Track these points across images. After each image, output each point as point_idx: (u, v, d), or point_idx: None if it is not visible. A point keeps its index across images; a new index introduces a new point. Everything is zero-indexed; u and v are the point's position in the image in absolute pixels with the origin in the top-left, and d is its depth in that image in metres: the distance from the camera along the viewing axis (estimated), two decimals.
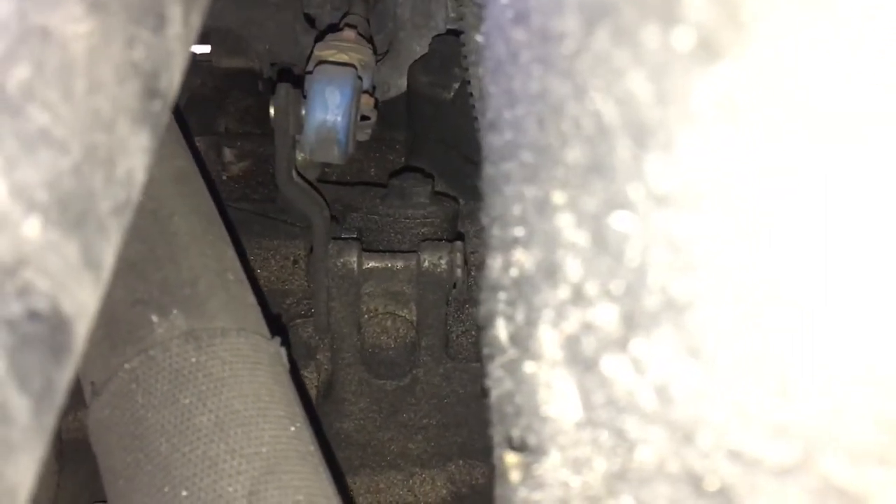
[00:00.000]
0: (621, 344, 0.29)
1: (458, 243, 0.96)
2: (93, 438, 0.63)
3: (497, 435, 0.41)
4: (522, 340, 0.36)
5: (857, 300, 0.25)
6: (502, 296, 0.38)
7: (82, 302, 0.32)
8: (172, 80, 0.39)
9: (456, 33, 1.07)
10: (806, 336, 0.25)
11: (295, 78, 1.01)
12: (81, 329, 0.33)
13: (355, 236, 0.97)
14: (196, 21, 0.42)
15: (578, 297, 0.31)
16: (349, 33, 1.02)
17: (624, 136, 0.27)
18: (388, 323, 0.98)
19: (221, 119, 1.15)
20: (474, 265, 1.00)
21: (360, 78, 0.94)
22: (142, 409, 0.59)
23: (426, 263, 0.94)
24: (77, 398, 0.63)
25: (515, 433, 0.38)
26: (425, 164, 1.08)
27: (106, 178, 0.34)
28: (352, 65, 0.96)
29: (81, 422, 0.88)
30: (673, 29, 0.24)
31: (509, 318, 0.38)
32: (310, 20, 1.15)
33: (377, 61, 1.08)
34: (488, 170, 0.41)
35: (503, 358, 0.39)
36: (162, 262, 0.66)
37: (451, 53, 1.05)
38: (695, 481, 0.29)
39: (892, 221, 0.24)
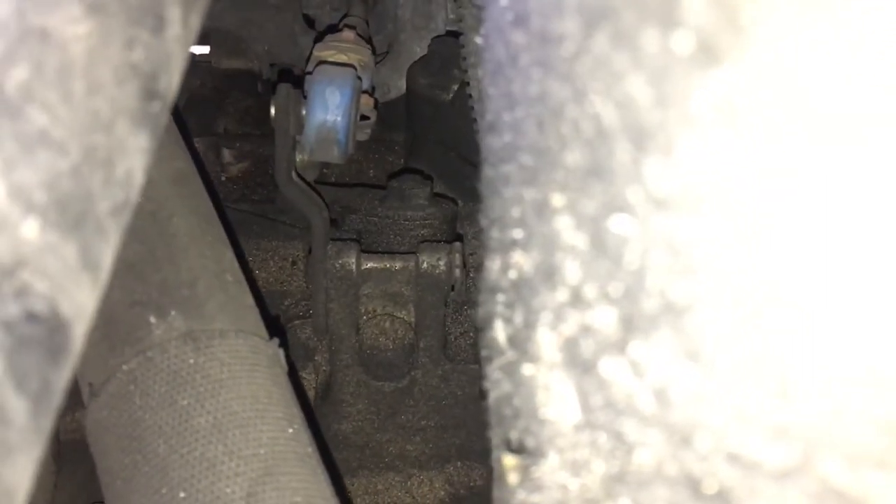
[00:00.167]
0: (620, 347, 0.29)
1: (457, 245, 0.96)
2: (91, 439, 0.63)
3: (495, 437, 0.41)
4: (521, 342, 0.36)
5: (856, 303, 0.25)
6: (501, 298, 0.38)
7: (80, 303, 0.32)
8: (171, 81, 0.39)
9: (455, 35, 1.08)
10: (805, 339, 0.25)
11: (295, 78, 1.01)
12: (79, 330, 0.33)
13: (354, 237, 0.97)
14: (195, 22, 0.42)
15: (577, 299, 0.31)
16: (348, 34, 1.02)
17: (623, 139, 0.27)
18: (387, 324, 0.98)
19: (221, 120, 1.15)
20: (473, 267, 1.00)
21: (359, 78, 0.94)
22: (140, 411, 0.59)
23: (425, 265, 0.94)
24: (75, 399, 0.63)
25: (514, 435, 0.38)
26: (424, 166, 1.08)
27: (104, 179, 0.34)
28: (351, 65, 0.96)
29: (79, 422, 0.88)
30: (672, 32, 0.24)
31: (508, 321, 0.38)
32: (309, 21, 1.15)
33: (376, 62, 1.08)
34: (487, 172, 0.41)
35: (501, 360, 0.38)
36: (160, 263, 0.66)
37: (450, 55, 1.05)
38: (693, 484, 0.29)
39: (891, 224, 0.24)
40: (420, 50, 1.12)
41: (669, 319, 0.27)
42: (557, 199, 0.32)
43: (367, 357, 0.99)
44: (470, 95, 0.87)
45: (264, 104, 1.12)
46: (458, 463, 1.00)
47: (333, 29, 1.06)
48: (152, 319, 0.62)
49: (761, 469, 0.27)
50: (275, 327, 0.78)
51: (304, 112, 0.89)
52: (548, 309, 0.33)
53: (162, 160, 0.72)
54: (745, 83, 0.23)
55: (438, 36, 1.11)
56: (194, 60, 1.15)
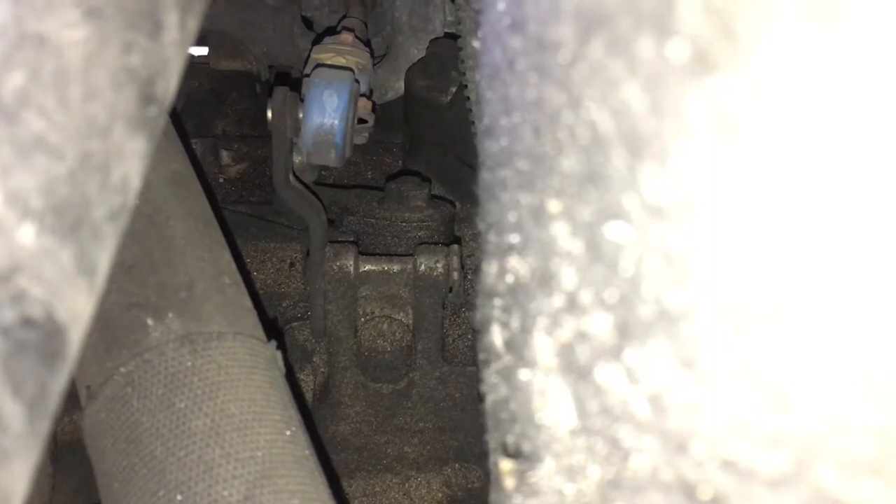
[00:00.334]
0: (615, 353, 0.29)
1: (455, 247, 0.96)
2: (88, 442, 0.63)
3: (492, 441, 0.41)
4: (517, 347, 0.36)
5: (850, 311, 0.25)
6: (498, 302, 0.38)
7: (77, 308, 0.32)
8: (169, 85, 0.39)
9: (453, 37, 1.08)
10: (800, 347, 0.25)
11: (292, 81, 1.01)
12: (75, 336, 0.33)
13: (352, 239, 0.97)
14: (193, 26, 0.42)
15: (573, 305, 0.31)
16: (347, 36, 1.02)
17: (619, 146, 0.27)
18: (385, 326, 0.98)
19: (219, 121, 1.15)
20: (470, 269, 1.00)
21: (357, 81, 0.94)
22: (137, 413, 0.59)
23: (423, 267, 0.94)
24: (72, 401, 0.63)
25: (510, 440, 0.38)
26: (422, 168, 1.08)
27: (101, 184, 0.34)
28: (349, 68, 0.96)
29: (76, 424, 0.88)
30: (668, 41, 0.24)
31: (504, 325, 0.38)
32: (307, 23, 1.15)
33: (374, 64, 1.08)
34: (484, 175, 0.41)
35: (498, 364, 0.39)
36: (158, 265, 0.66)
37: (448, 57, 1.05)
38: (688, 490, 0.29)
39: (885, 235, 0.24)
40: (418, 52, 1.12)
41: (664, 326, 0.27)
42: (554, 205, 0.32)
43: (365, 359, 0.99)
44: (468, 98, 0.87)
45: (262, 106, 1.12)
46: (456, 465, 1.00)
47: (332, 31, 1.06)
48: (149, 322, 0.62)
49: (756, 476, 0.27)
50: (272, 329, 0.78)
51: (301, 115, 0.89)
52: (544, 314, 0.34)
53: (159, 162, 0.72)
54: (740, 92, 0.23)
55: (436, 38, 1.11)
56: (192, 62, 1.15)
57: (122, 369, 0.61)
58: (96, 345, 0.62)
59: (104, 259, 0.35)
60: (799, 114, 0.23)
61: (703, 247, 0.25)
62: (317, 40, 1.05)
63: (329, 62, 0.96)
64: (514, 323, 0.37)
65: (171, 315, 0.63)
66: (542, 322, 0.34)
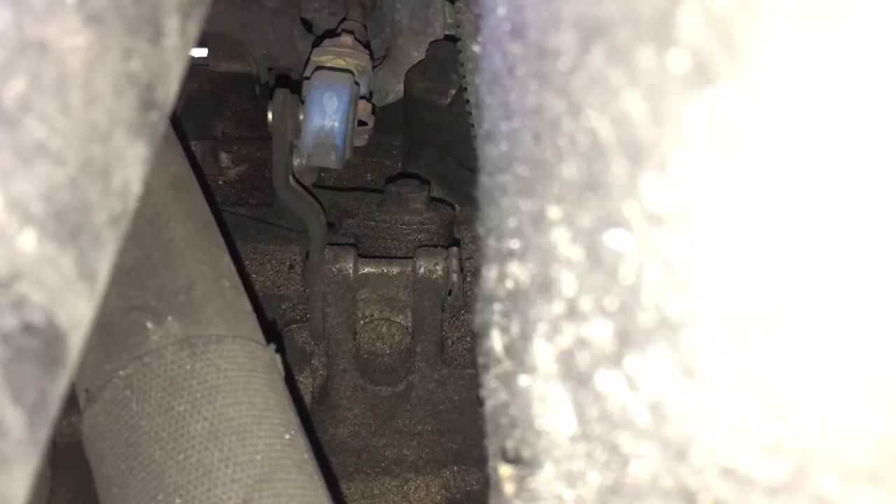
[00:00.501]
0: (615, 360, 0.29)
1: (454, 249, 0.96)
2: (87, 445, 0.63)
3: (492, 446, 0.41)
4: (517, 353, 0.36)
5: (850, 319, 0.25)
6: (497, 307, 0.38)
7: (77, 314, 0.32)
8: (169, 91, 0.39)
9: (453, 39, 1.08)
10: (799, 355, 0.25)
11: (292, 83, 1.02)
12: (76, 341, 0.33)
13: (351, 242, 0.97)
14: (193, 31, 0.42)
15: (573, 312, 0.31)
16: (346, 38, 1.02)
17: (619, 154, 0.27)
18: (384, 329, 0.98)
19: (218, 123, 1.15)
20: (470, 271, 1.00)
21: (357, 83, 0.94)
22: (136, 417, 0.59)
23: (422, 270, 0.94)
24: (71, 403, 0.63)
25: (510, 445, 0.38)
26: (422, 170, 1.08)
27: (102, 189, 0.34)
28: (349, 70, 0.96)
29: (75, 427, 0.88)
30: (668, 51, 0.24)
31: (504, 330, 0.38)
32: (307, 25, 1.15)
33: (374, 66, 1.08)
34: (484, 180, 0.41)
35: (498, 369, 0.39)
36: (157, 268, 0.66)
37: (448, 59, 1.06)
38: (688, 498, 0.29)
39: (884, 244, 0.24)
40: (418, 54, 1.12)
41: (665, 334, 0.27)
42: (554, 212, 0.32)
43: (364, 361, 0.99)
44: (467, 101, 0.87)
45: (262, 108, 1.12)
46: (455, 467, 1.00)
47: (332, 33, 1.06)
48: (149, 325, 0.62)
49: (755, 484, 0.27)
50: (272, 332, 0.78)
51: (301, 117, 0.89)
52: (544, 320, 0.34)
53: (159, 165, 0.72)
54: (739, 101, 0.23)
55: (436, 40, 1.11)
56: (192, 64, 1.15)
57: (121, 372, 0.61)
58: (95, 348, 0.62)
59: (105, 264, 0.35)
60: (798, 123, 0.23)
61: (703, 255, 0.25)
62: (316, 42, 1.05)
63: (329, 64, 0.96)
64: (514, 328, 0.37)
65: (170, 318, 0.63)
66: (542, 328, 0.34)
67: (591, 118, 0.28)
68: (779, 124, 0.23)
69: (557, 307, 0.32)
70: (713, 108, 0.24)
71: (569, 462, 0.34)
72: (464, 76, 0.88)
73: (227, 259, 0.72)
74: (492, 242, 0.39)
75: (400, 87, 1.12)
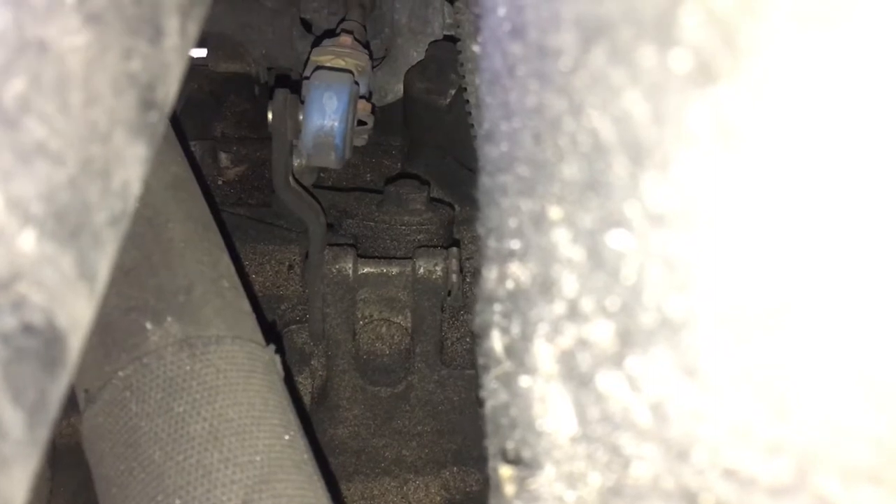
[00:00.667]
0: (617, 361, 0.29)
1: (454, 250, 0.96)
2: (86, 446, 0.62)
3: (492, 446, 0.41)
4: (518, 353, 0.36)
5: (851, 319, 0.25)
6: (497, 308, 0.38)
7: (77, 315, 0.32)
8: (169, 91, 0.39)
9: (453, 39, 1.08)
10: (801, 355, 0.25)
11: (292, 83, 1.01)
12: (76, 342, 0.33)
13: (351, 242, 0.97)
14: (193, 31, 0.42)
15: (574, 312, 0.31)
16: (346, 38, 1.02)
17: (621, 154, 0.27)
18: (383, 329, 0.98)
19: (218, 123, 1.15)
20: (469, 271, 1.00)
21: (356, 83, 0.94)
22: (135, 417, 0.59)
23: (421, 270, 0.94)
24: (70, 403, 0.63)
25: (510, 446, 0.38)
26: (421, 170, 1.08)
27: (102, 189, 0.34)
28: (349, 70, 0.96)
29: (74, 427, 0.88)
30: (670, 50, 0.24)
31: (504, 331, 0.38)
32: (306, 25, 1.15)
33: (373, 67, 1.08)
34: (484, 180, 0.41)
35: (498, 370, 0.39)
36: (157, 268, 0.66)
37: (447, 59, 1.05)
38: (690, 498, 0.29)
39: (887, 244, 0.24)
40: (417, 54, 1.12)
41: (666, 334, 0.27)
42: (554, 212, 0.32)
43: (364, 362, 0.99)
44: (467, 101, 0.87)
45: (261, 108, 1.12)
46: (455, 468, 1.00)
47: (331, 33, 1.06)
48: (148, 326, 0.62)
49: (757, 485, 0.27)
50: (271, 333, 0.78)
51: (301, 117, 0.89)
52: (545, 321, 0.34)
53: (159, 165, 0.72)
54: (741, 101, 0.23)
55: (435, 41, 1.11)
56: (191, 64, 1.15)
57: (120, 373, 0.61)
58: (95, 348, 0.62)
59: (104, 265, 0.35)
60: (800, 122, 0.23)
61: (705, 255, 0.25)
62: (316, 43, 1.05)
63: (328, 64, 0.96)
64: (515, 329, 0.36)
65: (169, 319, 0.63)
66: (542, 329, 0.34)
67: (592, 118, 0.28)
68: (781, 124, 0.23)
69: (558, 307, 0.32)
70: (715, 107, 0.23)
71: (570, 463, 0.33)
72: (463, 76, 0.88)
73: (226, 259, 0.72)
74: (492, 243, 0.39)
75: (399, 88, 1.12)
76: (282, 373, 0.68)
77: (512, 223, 0.36)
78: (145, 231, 0.68)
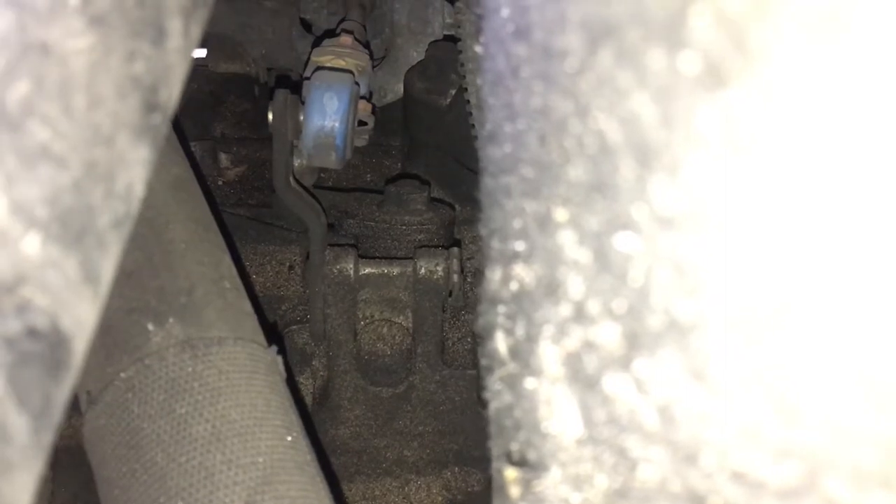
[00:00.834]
0: (624, 363, 0.29)
1: (455, 250, 0.96)
2: (88, 448, 0.62)
3: (496, 448, 0.41)
4: (522, 355, 0.36)
5: (861, 323, 0.25)
6: (501, 309, 0.38)
7: (81, 318, 0.32)
8: (172, 93, 0.39)
9: (453, 39, 1.07)
10: (810, 358, 0.25)
11: (292, 84, 1.01)
12: (80, 345, 0.32)
13: (352, 243, 0.97)
14: (196, 32, 0.42)
15: (580, 314, 0.31)
16: (346, 39, 1.01)
17: (628, 156, 0.26)
18: (385, 330, 0.98)
19: (217, 124, 1.15)
20: (470, 271, 1.00)
21: (357, 84, 0.94)
22: (137, 419, 0.59)
23: (422, 270, 0.94)
24: (72, 405, 0.63)
25: (515, 447, 0.38)
26: (422, 170, 1.08)
27: (105, 192, 0.34)
28: (349, 70, 0.95)
29: (76, 429, 0.88)
30: (679, 53, 0.24)
31: (509, 332, 0.38)
32: (306, 25, 1.15)
33: (373, 66, 1.08)
34: (487, 181, 0.40)
35: (502, 371, 0.38)
36: (158, 270, 0.66)
37: (447, 59, 1.05)
38: (698, 501, 0.29)
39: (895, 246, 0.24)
40: (417, 54, 1.12)
41: (675, 338, 0.27)
42: (560, 214, 0.32)
43: (365, 362, 0.99)
44: (468, 101, 0.87)
45: (261, 108, 1.12)
46: (456, 468, 1.00)
47: (331, 33, 1.06)
48: (150, 327, 0.62)
49: (766, 488, 0.27)
50: (272, 334, 0.78)
51: (301, 118, 0.89)
52: (550, 322, 0.33)
53: (160, 166, 0.71)
54: (751, 104, 0.23)
55: (435, 40, 1.11)
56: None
57: (122, 375, 0.61)
58: (97, 350, 0.62)
59: (108, 267, 0.35)
60: (810, 126, 0.23)
61: (714, 258, 0.25)
62: (316, 43, 1.05)
63: (329, 65, 0.96)
64: (519, 330, 0.36)
65: (171, 320, 0.63)
66: (548, 330, 0.34)
67: (599, 120, 0.28)
68: (791, 128, 0.23)
69: (564, 309, 0.32)
70: (725, 111, 0.23)
71: (576, 465, 0.33)
72: (464, 76, 0.88)
73: (227, 260, 0.72)
74: (495, 244, 0.38)
75: (399, 88, 1.12)
76: (284, 374, 0.68)
77: (516, 224, 0.36)
78: (147, 232, 0.67)
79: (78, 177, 0.32)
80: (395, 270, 0.95)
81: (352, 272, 0.93)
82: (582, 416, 0.32)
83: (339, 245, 0.95)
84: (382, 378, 1.00)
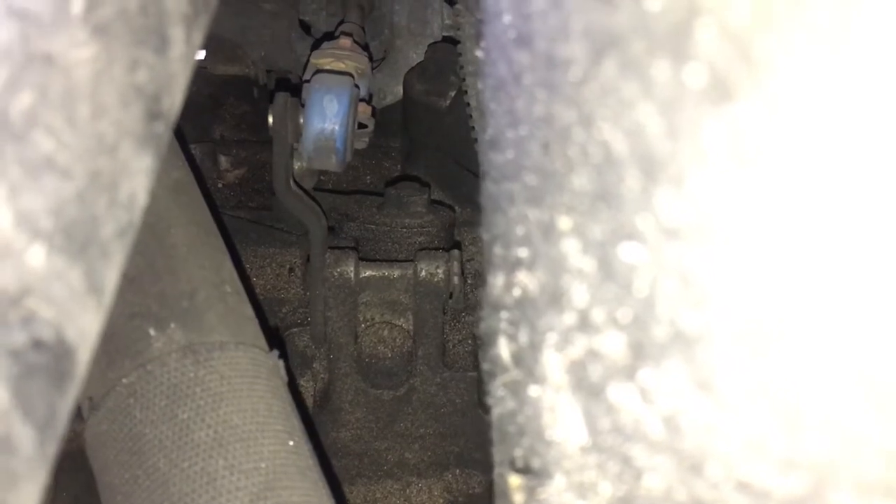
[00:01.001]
0: (629, 373, 0.29)
1: (455, 252, 0.96)
2: (90, 453, 0.62)
3: (499, 454, 0.41)
4: (526, 362, 0.36)
5: (866, 334, 0.25)
6: (504, 315, 0.38)
7: (85, 328, 0.32)
8: (175, 101, 0.39)
9: (452, 41, 1.07)
10: (815, 369, 0.25)
11: (292, 86, 1.01)
12: (84, 356, 0.32)
13: (352, 245, 0.97)
14: (198, 40, 0.42)
15: (584, 323, 0.31)
16: (345, 41, 1.01)
17: (633, 167, 0.26)
18: (385, 332, 0.98)
19: (217, 126, 1.15)
20: (471, 273, 1.00)
21: (357, 86, 0.94)
22: (140, 425, 0.59)
23: (423, 273, 0.94)
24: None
25: (518, 454, 0.38)
26: (421, 172, 1.08)
27: (109, 202, 0.33)
28: (349, 73, 0.95)
29: (77, 434, 0.88)
30: (684, 65, 0.24)
31: (511, 338, 0.38)
32: (305, 27, 1.15)
33: (373, 68, 1.08)
34: (489, 187, 0.40)
35: (505, 377, 0.38)
36: (160, 274, 0.66)
37: (446, 61, 1.05)
38: None
39: None
40: (416, 56, 1.12)
41: (680, 348, 0.27)
42: (564, 222, 0.32)
43: (366, 365, 0.99)
44: (467, 103, 0.87)
45: (261, 111, 1.11)
46: (457, 471, 1.00)
47: (330, 35, 1.06)
48: (152, 332, 0.62)
49: (771, 498, 0.27)
50: (274, 338, 0.78)
51: (301, 120, 0.89)
52: (554, 331, 0.33)
53: (161, 170, 0.71)
54: (758, 117, 0.23)
55: (435, 42, 1.11)
56: None
57: (124, 380, 0.60)
58: (98, 355, 0.62)
59: (112, 277, 0.35)
60: (816, 139, 0.23)
61: (720, 269, 0.25)
62: (315, 45, 1.05)
63: (328, 67, 0.96)
64: (523, 337, 0.36)
65: (173, 325, 0.63)
66: (552, 338, 0.34)
67: (603, 130, 0.28)
68: (797, 140, 0.23)
69: (568, 318, 0.32)
70: (731, 124, 0.23)
71: (580, 473, 0.33)
72: (463, 78, 0.88)
73: (228, 264, 0.72)
74: (498, 250, 0.38)
75: (399, 89, 1.12)
76: (285, 378, 0.68)
77: (519, 231, 0.36)
78: (148, 237, 0.67)
79: (82, 187, 0.32)
80: (396, 273, 0.95)
81: (352, 275, 0.93)
82: (586, 424, 0.32)
83: (339, 248, 0.95)
84: (383, 380, 1.00)
